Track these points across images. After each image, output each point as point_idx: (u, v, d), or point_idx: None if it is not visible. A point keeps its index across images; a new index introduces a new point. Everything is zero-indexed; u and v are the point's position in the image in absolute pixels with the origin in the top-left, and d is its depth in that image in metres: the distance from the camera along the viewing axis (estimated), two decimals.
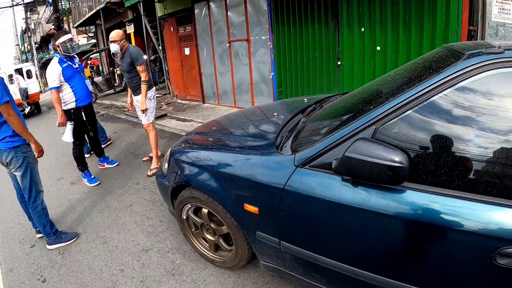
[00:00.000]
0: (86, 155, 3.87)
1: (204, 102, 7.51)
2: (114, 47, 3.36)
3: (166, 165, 2.23)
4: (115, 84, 12.54)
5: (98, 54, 15.65)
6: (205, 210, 1.96)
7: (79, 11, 14.65)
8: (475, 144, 1.15)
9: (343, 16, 4.35)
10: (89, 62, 7.84)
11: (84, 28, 15.91)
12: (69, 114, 3.34)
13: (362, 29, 4.20)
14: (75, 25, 15.28)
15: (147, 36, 8.39)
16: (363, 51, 4.29)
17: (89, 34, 17.03)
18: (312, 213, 1.42)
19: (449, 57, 1.33)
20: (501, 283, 1.11)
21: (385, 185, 1.21)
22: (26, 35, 26.47)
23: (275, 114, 2.35)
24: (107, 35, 12.01)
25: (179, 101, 8.12)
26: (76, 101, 3.35)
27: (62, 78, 3.24)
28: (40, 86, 24.36)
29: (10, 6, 17.70)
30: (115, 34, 3.38)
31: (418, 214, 1.18)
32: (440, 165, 1.19)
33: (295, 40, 5.11)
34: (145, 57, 3.47)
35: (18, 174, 2.35)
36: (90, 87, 3.52)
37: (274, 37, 5.41)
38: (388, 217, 1.23)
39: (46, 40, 24.81)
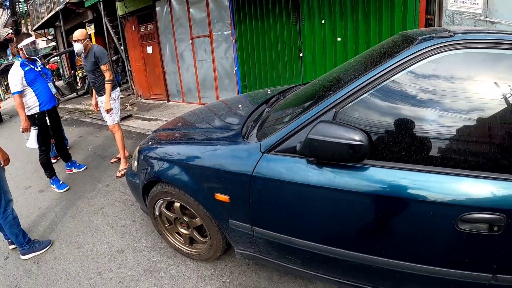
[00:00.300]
0: (52, 161, 3.67)
1: (169, 101, 7.34)
2: (77, 47, 3.22)
3: (135, 163, 2.17)
4: (77, 88, 11.90)
5: (58, 57, 14.73)
6: (177, 204, 1.93)
7: (37, 13, 13.65)
8: (429, 121, 1.23)
9: (303, 9, 4.42)
10: (47, 67, 7.34)
11: (43, 30, 14.89)
12: (33, 119, 3.14)
13: (323, 21, 4.29)
14: (34, 28, 14.24)
15: (108, 36, 8.02)
16: (324, 42, 4.39)
17: (48, 37, 15.99)
18: (281, 196, 1.45)
19: (403, 42, 1.39)
20: (463, 247, 1.19)
21: (348, 163, 1.25)
22: None
23: (240, 106, 2.35)
24: (67, 37, 11.31)
25: (144, 101, 7.88)
26: (39, 105, 3.15)
27: (24, 82, 3.03)
28: (0, 94, 22.48)
29: None
30: (79, 33, 3.24)
31: (382, 189, 1.24)
32: (397, 141, 1.25)
33: (257, 34, 5.12)
34: None
35: None
36: (54, 90, 3.34)
37: (236, 32, 5.40)
38: (354, 193, 1.28)
39: (3, 45, 22.98)
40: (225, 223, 1.68)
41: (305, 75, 4.70)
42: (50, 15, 11.35)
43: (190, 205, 1.81)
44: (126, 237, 2.43)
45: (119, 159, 3.75)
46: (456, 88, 1.20)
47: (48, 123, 3.23)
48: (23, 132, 3.15)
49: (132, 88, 8.30)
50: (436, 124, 1.23)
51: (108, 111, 3.37)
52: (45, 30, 15.17)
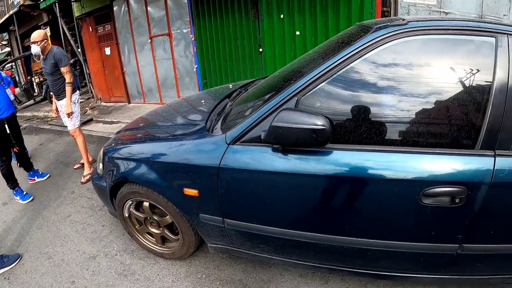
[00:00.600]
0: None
1: (129, 102, 7.08)
2: (35, 49, 3.02)
3: (100, 166, 2.07)
4: (35, 94, 11.10)
5: (12, 64, 13.61)
6: (146, 203, 1.87)
7: None
8: (386, 104, 1.29)
9: (262, 5, 4.43)
10: (3, 73, 6.76)
11: None
12: None
13: (282, 16, 4.32)
14: None
15: (64, 39, 7.54)
16: (283, 37, 4.43)
17: (2, 42, 14.77)
18: (249, 186, 1.45)
19: (360, 32, 1.43)
20: (428, 220, 1.26)
21: (312, 148, 1.28)
22: None
23: (202, 102, 2.32)
24: (23, 41, 10.45)
25: (104, 104, 7.52)
26: None
27: None
28: None
29: None
30: (36, 34, 3.03)
31: (346, 171, 1.28)
32: (358, 125, 1.30)
33: (216, 31, 5.08)
34: None
35: None
36: (12, 97, 3.10)
37: (195, 30, 5.32)
38: (320, 177, 1.31)
39: None
40: (196, 218, 1.65)
41: (265, 69, 4.74)
42: (3, 19, 10.52)
43: (159, 203, 1.76)
44: (96, 243, 2.32)
45: (82, 164, 3.56)
46: (410, 72, 1.27)
47: (8, 131, 2.99)
48: None
49: (91, 92, 7.89)
50: (393, 106, 1.29)
51: (69, 114, 3.19)
52: None
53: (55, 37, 8.35)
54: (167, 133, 1.83)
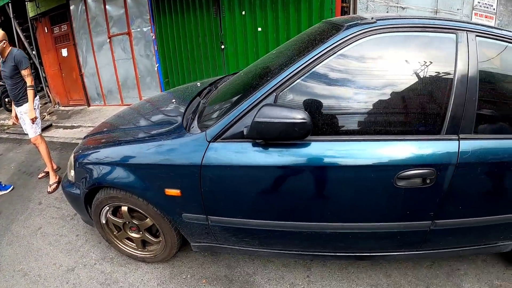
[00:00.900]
0: None
1: (89, 105, 6.70)
2: None
3: (72, 173, 1.94)
4: None
5: None
6: (124, 208, 1.79)
7: None
8: (359, 97, 1.37)
9: (223, 1, 4.39)
10: None
11: None
12: None
13: (243, 13, 4.31)
14: None
15: (18, 41, 6.94)
16: (245, 33, 4.42)
17: None
18: (232, 182, 1.45)
19: (331, 29, 1.48)
20: (403, 201, 1.36)
21: (294, 141, 1.31)
22: None
23: (173, 101, 2.26)
24: None
25: (62, 108, 7.03)
26: None
27: None
28: None
29: None
30: None
31: (326, 160, 1.34)
32: (334, 117, 1.37)
33: (177, 29, 4.96)
34: None
35: None
36: None
37: (156, 28, 5.16)
38: (301, 168, 1.35)
39: None
40: (178, 218, 1.62)
41: (227, 66, 4.72)
42: None
43: (139, 206, 1.70)
44: (73, 254, 2.18)
45: (47, 173, 3.32)
46: (380, 67, 1.36)
47: None
48: None
49: (49, 96, 7.34)
50: (366, 99, 1.37)
51: (33, 120, 2.95)
52: None
53: (8, 40, 7.65)
54: (142, 134, 1.76)
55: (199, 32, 4.75)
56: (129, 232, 1.94)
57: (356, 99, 1.37)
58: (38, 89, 8.87)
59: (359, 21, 1.36)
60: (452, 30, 1.33)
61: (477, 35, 1.34)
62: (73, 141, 4.43)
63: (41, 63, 7.03)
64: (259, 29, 4.24)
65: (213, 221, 1.57)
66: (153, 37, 5.24)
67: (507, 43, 1.39)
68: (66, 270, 2.06)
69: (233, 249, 1.73)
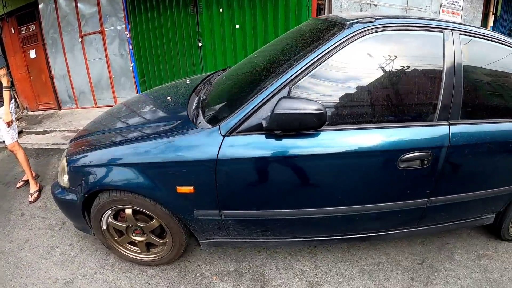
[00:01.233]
0: None
1: (60, 109, 6.27)
2: None
3: (65, 178, 1.78)
4: None
5: None
6: (128, 211, 1.69)
7: None
8: (362, 89, 1.45)
9: None
10: None
11: None
12: None
13: (221, 10, 4.24)
14: None
15: None
16: (223, 30, 4.36)
17: None
18: (248, 174, 1.45)
19: (332, 27, 1.54)
20: (405, 182, 1.49)
21: (310, 131, 1.36)
22: None
23: (169, 98, 2.18)
24: None
25: (31, 113, 6.52)
26: None
27: None
28: None
29: None
30: None
31: (338, 148, 1.41)
32: (343, 108, 1.44)
33: (153, 27, 4.80)
34: None
35: None
36: None
37: (131, 26, 4.94)
38: (316, 156, 1.40)
39: None
40: (189, 215, 1.58)
41: (205, 64, 4.64)
42: None
43: (146, 207, 1.62)
44: (68, 265, 2.01)
45: (26, 182, 3.05)
46: (380, 62, 1.46)
47: None
48: None
49: (16, 101, 6.81)
50: (369, 90, 1.46)
51: (9, 123, 2.69)
52: None
53: None
54: (145, 132, 1.67)
55: (176, 30, 4.61)
56: (132, 236, 1.83)
57: (361, 91, 1.45)
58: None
59: (360, 20, 1.43)
60: (440, 29, 1.47)
61: (460, 33, 1.50)
62: (48, 147, 4.10)
63: (7, 66, 6.45)
64: (237, 26, 4.20)
65: (226, 215, 1.55)
66: (128, 36, 4.99)
67: (484, 40, 1.57)
68: (64, 283, 1.89)
69: (244, 242, 1.72)
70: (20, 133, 5.10)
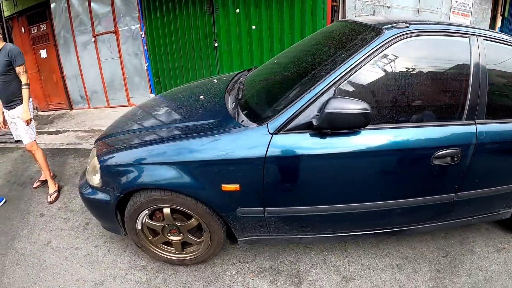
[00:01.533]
0: None
1: (72, 109, 6.17)
2: None
3: (97, 177, 1.72)
4: None
5: None
6: (167, 210, 1.65)
7: None
8: (401, 90, 1.51)
9: None
10: None
11: None
12: None
13: (237, 10, 4.23)
14: None
15: None
16: (239, 31, 4.34)
17: None
18: (295, 171, 1.47)
19: (368, 30, 1.58)
20: (437, 177, 1.55)
21: (358, 129, 1.40)
22: None
23: (202, 97, 2.14)
24: None
25: (42, 113, 6.41)
26: None
27: None
28: None
29: None
30: None
31: (381, 145, 1.45)
32: (384, 108, 1.49)
33: (169, 27, 4.75)
34: None
35: None
36: None
37: (146, 26, 4.89)
38: (361, 153, 1.44)
39: None
40: (232, 213, 1.56)
41: (221, 64, 4.61)
42: None
43: (187, 206, 1.59)
44: (96, 267, 1.95)
45: (43, 182, 2.97)
46: (414, 65, 1.53)
47: None
48: None
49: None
50: (406, 92, 1.52)
51: (28, 122, 2.61)
52: None
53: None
54: (186, 130, 1.63)
55: (192, 30, 4.57)
56: (167, 236, 1.78)
57: (398, 92, 1.52)
58: None
59: (395, 25, 1.48)
60: (466, 35, 1.54)
61: (484, 39, 1.56)
62: (63, 147, 4.00)
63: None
64: (254, 27, 4.17)
65: (270, 212, 1.56)
66: (143, 36, 4.93)
67: (504, 45, 1.65)
68: (94, 285, 1.84)
69: (282, 239, 1.72)
70: None
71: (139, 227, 1.75)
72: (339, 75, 1.40)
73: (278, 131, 1.40)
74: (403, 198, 1.58)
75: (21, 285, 1.90)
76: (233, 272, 1.82)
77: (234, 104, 1.76)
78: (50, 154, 3.84)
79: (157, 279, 1.82)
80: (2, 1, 5.84)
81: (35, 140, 2.77)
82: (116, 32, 5.14)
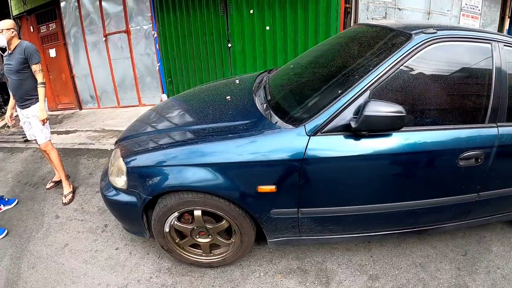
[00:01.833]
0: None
1: (81, 108, 6.07)
2: (1, 40, 2.36)
3: (122, 179, 1.68)
4: None
5: None
6: (197, 212, 1.62)
7: None
8: (431, 94, 1.54)
9: (231, 0, 4.25)
10: None
11: None
12: None
13: (251, 11, 4.20)
14: None
15: None
16: (253, 32, 4.32)
17: None
18: (332, 173, 1.48)
19: (398, 36, 1.60)
20: (460, 177, 1.59)
21: (394, 131, 1.42)
22: None
23: (228, 97, 2.11)
24: None
25: (50, 112, 6.23)
26: None
27: None
28: None
29: None
30: (3, 23, 2.38)
31: (414, 147, 1.48)
32: (412, 111, 1.50)
33: (182, 27, 4.70)
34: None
35: None
36: None
37: (158, 26, 4.83)
38: (394, 154, 1.48)
39: None
40: (266, 215, 1.55)
41: (234, 65, 4.58)
42: None
43: (220, 208, 1.56)
44: (119, 270, 1.91)
45: (56, 182, 2.91)
46: (442, 70, 1.56)
47: None
48: None
49: None
50: (435, 96, 1.55)
51: (44, 121, 2.55)
52: None
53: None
54: (218, 131, 1.60)
55: (205, 30, 4.53)
56: (196, 238, 1.74)
57: (427, 96, 1.54)
58: None
59: (423, 30, 1.51)
60: (488, 41, 1.58)
61: (504, 45, 1.61)
62: (75, 147, 3.93)
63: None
64: (267, 28, 4.15)
65: (303, 213, 1.56)
66: (155, 35, 4.86)
67: None
68: None
69: (311, 240, 1.72)
70: None
71: (167, 230, 1.71)
72: (373, 78, 1.42)
73: (315, 132, 1.41)
74: (430, 198, 1.62)
75: None
76: (261, 274, 1.81)
77: (265, 105, 1.75)
78: (62, 154, 3.76)
79: (183, 282, 1.78)
80: (10, 0, 5.73)
81: (49, 140, 2.71)
82: (127, 31, 5.08)
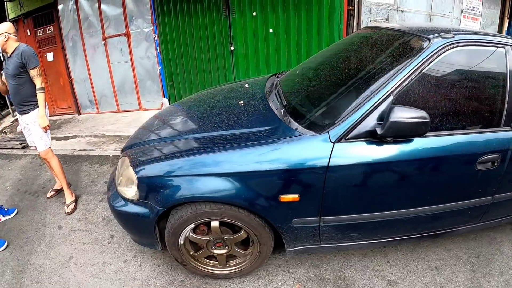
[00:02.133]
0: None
1: (80, 113, 5.91)
2: None
3: (132, 190, 1.59)
4: None
5: None
6: (215, 223, 1.56)
7: None
8: (451, 99, 1.54)
9: (234, 2, 4.19)
10: None
11: None
12: None
13: (254, 14, 4.16)
14: None
15: None
16: (256, 34, 4.27)
17: None
18: (357, 180, 1.46)
19: (414, 39, 1.59)
20: (478, 181, 1.59)
21: (418, 137, 1.40)
22: None
23: (241, 102, 2.04)
24: None
25: (48, 118, 6.19)
26: None
27: None
28: None
29: None
30: (2, 26, 2.30)
31: (436, 152, 1.49)
32: (433, 116, 1.46)
33: (184, 29, 4.62)
34: None
35: None
36: None
37: (159, 29, 4.74)
38: (418, 160, 1.47)
39: None
40: (287, 224, 1.51)
41: (237, 67, 4.52)
42: None
43: (239, 218, 1.51)
44: (129, 284, 1.82)
45: (57, 191, 2.80)
46: (460, 74, 1.56)
47: None
48: None
49: None
50: (455, 100, 1.55)
51: (46, 128, 2.44)
52: None
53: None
54: (236, 138, 1.54)
55: (208, 33, 4.45)
56: (212, 249, 1.66)
57: (447, 101, 1.54)
58: None
59: (441, 35, 1.50)
60: (502, 45, 1.59)
61: None
62: (75, 153, 3.79)
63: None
64: (270, 30, 4.10)
65: (325, 221, 1.53)
66: (156, 38, 4.76)
67: None
68: None
69: (330, 247, 1.69)
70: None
71: (182, 242, 1.63)
72: (396, 83, 1.40)
73: (339, 139, 1.37)
74: (449, 202, 1.61)
75: None
76: (279, 283, 1.75)
77: (282, 110, 1.70)
78: (62, 161, 3.62)
79: None
80: (7, 3, 5.55)
81: (50, 147, 2.60)
82: (127, 34, 4.97)
